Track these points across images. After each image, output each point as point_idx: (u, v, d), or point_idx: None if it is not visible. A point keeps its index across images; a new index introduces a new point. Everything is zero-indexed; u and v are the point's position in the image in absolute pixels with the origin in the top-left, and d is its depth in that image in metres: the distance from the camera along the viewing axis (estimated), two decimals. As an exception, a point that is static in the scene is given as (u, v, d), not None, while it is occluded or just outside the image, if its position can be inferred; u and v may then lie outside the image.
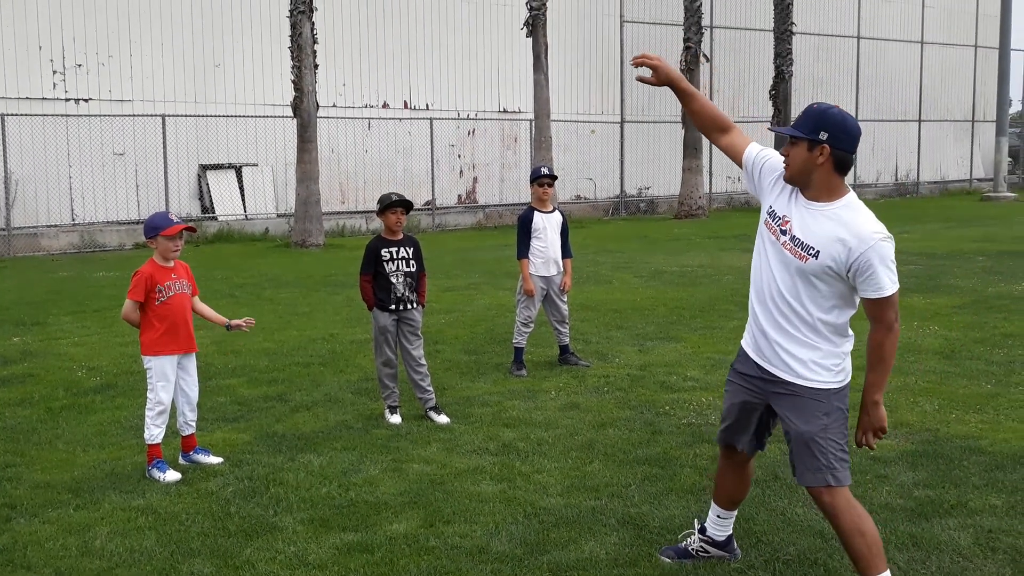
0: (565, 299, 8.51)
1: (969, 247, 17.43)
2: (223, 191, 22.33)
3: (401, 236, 7.06)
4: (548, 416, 6.97)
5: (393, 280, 6.93)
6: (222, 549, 4.73)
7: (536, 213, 8.40)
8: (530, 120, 25.94)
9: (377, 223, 24.44)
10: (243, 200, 22.62)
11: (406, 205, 6.93)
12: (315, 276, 15.14)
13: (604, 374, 8.16)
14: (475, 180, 27.14)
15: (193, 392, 5.99)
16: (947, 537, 4.66)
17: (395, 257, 6.95)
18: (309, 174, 19.95)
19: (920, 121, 34.83)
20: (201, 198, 22.32)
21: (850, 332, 4.02)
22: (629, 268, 15.33)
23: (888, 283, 3.78)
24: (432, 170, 25.02)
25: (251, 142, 22.68)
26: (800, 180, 3.94)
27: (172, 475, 5.74)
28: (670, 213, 27.29)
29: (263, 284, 14.13)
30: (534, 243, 8.34)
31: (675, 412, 6.97)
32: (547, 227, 8.36)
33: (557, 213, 8.50)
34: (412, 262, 7.03)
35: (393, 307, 6.94)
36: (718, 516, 4.47)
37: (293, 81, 19.86)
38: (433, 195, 25.14)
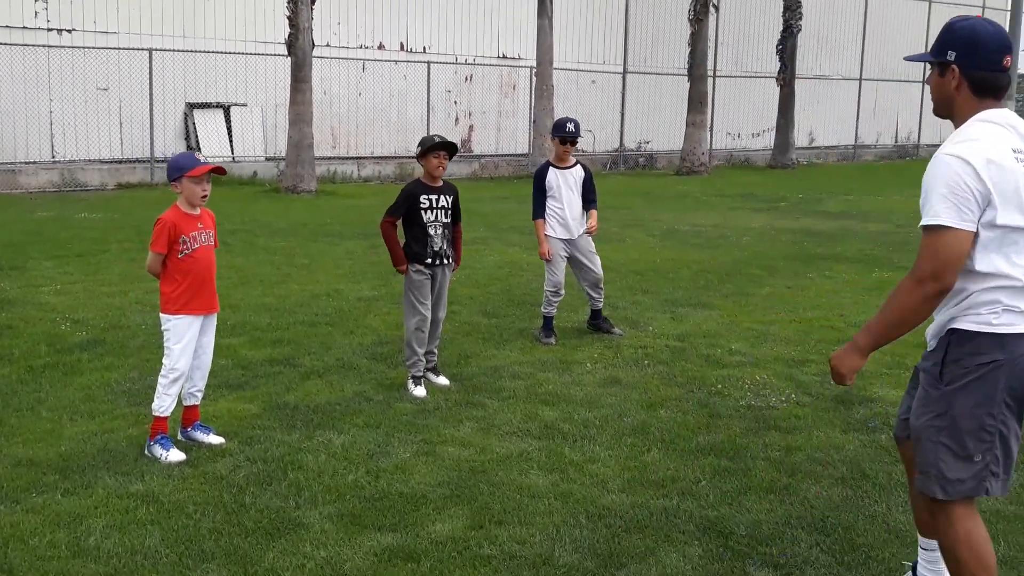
0: (597, 261, 7.75)
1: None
2: (210, 131, 21.35)
3: (441, 183, 6.30)
4: (588, 393, 6.29)
5: (431, 231, 6.19)
6: (240, 552, 4.03)
7: (552, 170, 7.61)
8: (530, 67, 25.02)
9: (370, 169, 23.72)
10: (231, 141, 21.66)
11: (450, 148, 6.16)
12: (310, 224, 14.34)
13: (640, 344, 7.48)
14: (471, 128, 26.24)
15: (207, 357, 5.28)
16: (1085, 558, 4.03)
17: (434, 206, 6.21)
18: (302, 116, 19.03)
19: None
20: (187, 138, 21.33)
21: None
22: (639, 226, 14.60)
23: (928, 210, 3.03)
24: (428, 116, 24.10)
25: (240, 81, 21.66)
26: (944, 111, 3.26)
27: (176, 455, 5.02)
28: (670, 169, 26.52)
29: (256, 231, 13.32)
30: (549, 203, 7.59)
31: (729, 392, 6.30)
32: (563, 185, 7.56)
33: (579, 168, 7.68)
34: (451, 212, 6.30)
35: (430, 261, 6.21)
36: (923, 549, 3.66)
37: (288, 17, 18.84)
38: (428, 142, 24.24)
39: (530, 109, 24.88)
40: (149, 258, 5.13)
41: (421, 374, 6.33)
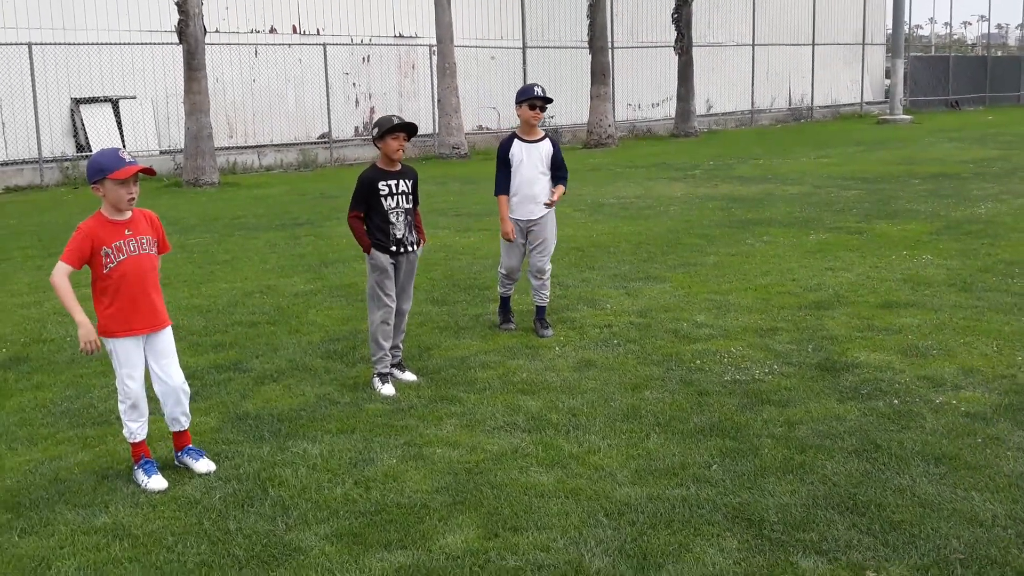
0: (548, 248, 7.00)
1: (896, 170, 17.11)
2: (99, 127, 20.26)
3: (400, 167, 5.88)
4: (566, 378, 5.99)
5: (392, 219, 5.78)
6: (239, 587, 3.61)
7: (517, 142, 6.91)
8: (428, 46, 24.53)
9: (272, 158, 22.88)
10: (122, 136, 20.60)
11: (409, 130, 5.74)
12: (221, 218, 13.68)
13: (604, 323, 7.22)
14: (372, 110, 25.60)
15: (172, 380, 4.67)
16: (1126, 517, 3.92)
17: (395, 191, 5.79)
18: (199, 106, 18.19)
19: (813, 45, 34.69)
20: (75, 135, 20.21)
21: None
22: (563, 201, 14.31)
23: None
24: (327, 100, 23.39)
25: (128, 73, 20.60)
26: None
27: (157, 482, 4.53)
28: (577, 142, 26.37)
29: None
30: (512, 177, 6.90)
31: (709, 367, 6.08)
32: (527, 160, 6.86)
33: (546, 142, 6.98)
34: (411, 197, 5.89)
35: (394, 249, 5.80)
36: None
37: (177, 3, 17.93)
38: (329, 127, 23.56)
39: (432, 88, 24.39)
40: (55, 270, 4.44)
41: (388, 371, 5.94)
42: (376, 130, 5.75)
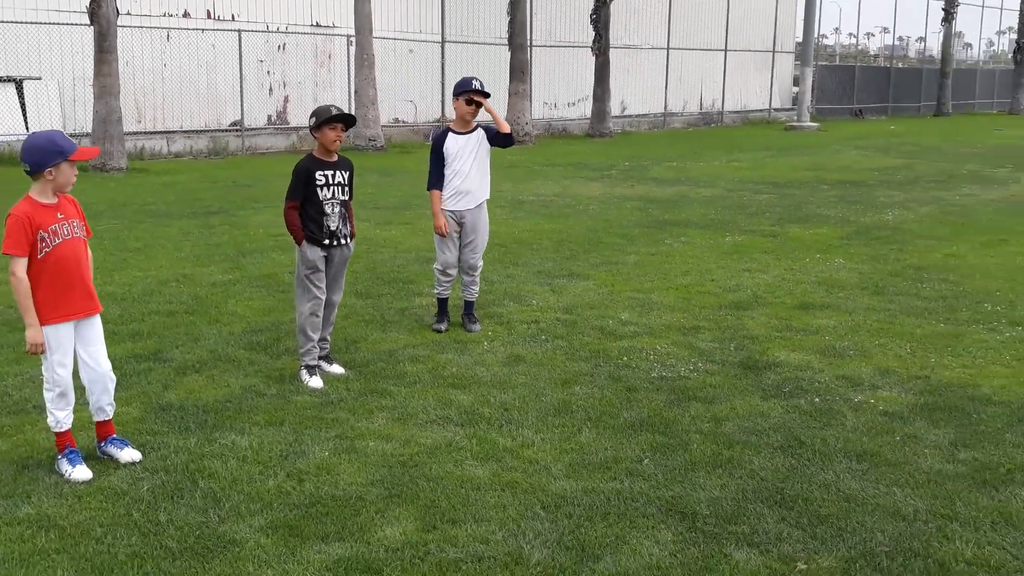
0: (481, 243, 7.02)
1: (805, 176, 17.58)
2: (1, 108, 19.52)
3: (336, 158, 5.81)
4: (496, 373, 6.01)
5: (327, 210, 5.71)
6: (174, 580, 3.54)
7: (451, 135, 6.86)
8: (346, 36, 24.26)
9: (181, 144, 22.34)
10: (25, 118, 19.88)
11: (347, 121, 5.68)
12: (131, 204, 13.31)
13: (531, 319, 7.26)
14: (286, 99, 25.20)
15: (100, 366, 4.55)
16: (1036, 511, 4.11)
17: (331, 182, 5.72)
18: (109, 89, 17.68)
19: (726, 51, 35.36)
20: (-25, 114, 19.42)
21: None
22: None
23: None
24: (240, 87, 22.94)
25: (33, 52, 19.87)
26: None
27: (82, 472, 4.40)
28: (493, 139, 26.38)
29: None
30: (446, 171, 6.87)
31: (636, 364, 6.18)
32: (463, 152, 6.81)
33: (479, 131, 6.91)
34: (347, 188, 5.83)
35: (327, 241, 5.74)
36: None
37: (89, -18, 17.37)
38: (242, 115, 23.12)
39: (348, 80, 24.14)
40: (11, 267, 4.25)
41: (316, 363, 5.87)
42: (314, 120, 5.67)
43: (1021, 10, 47.92)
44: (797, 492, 4.28)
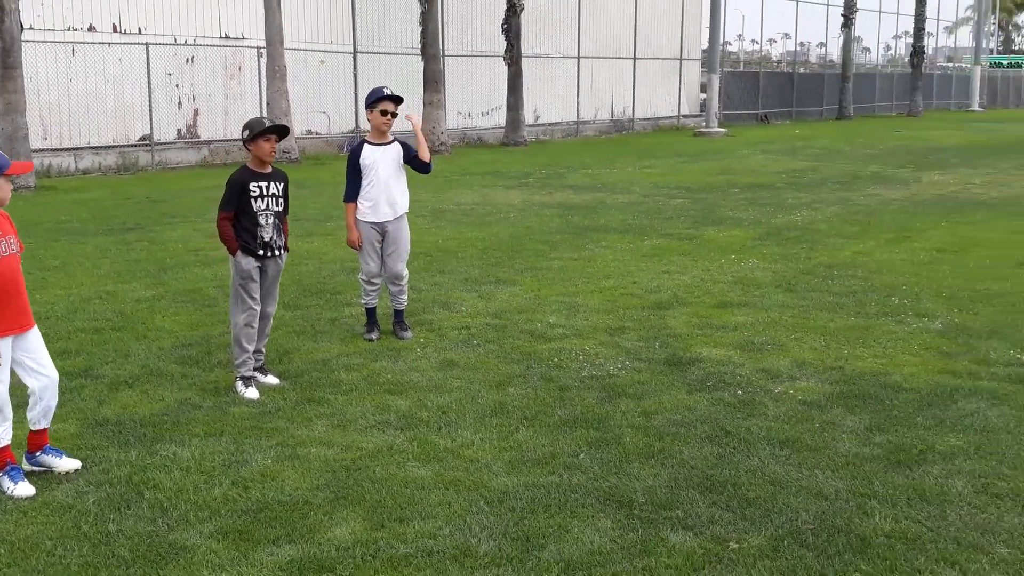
0: (403, 252, 7.05)
1: (716, 180, 18.08)
2: (-101, 125, 18.86)
3: (271, 169, 5.88)
4: (431, 378, 6.14)
5: (261, 221, 5.78)
6: (129, 588, 3.60)
7: (367, 147, 6.88)
8: (256, 48, 24.09)
9: (89, 161, 21.91)
10: (-75, 135, 19.26)
11: (280, 132, 5.76)
12: (43, 223, 13.06)
13: (461, 325, 7.41)
14: (196, 113, 24.88)
15: (49, 371, 4.60)
16: (945, 487, 4.41)
17: (265, 193, 5.79)
18: (15, 106, 17.30)
19: (635, 59, 36.03)
20: None
21: None
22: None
23: None
24: (148, 102, 22.60)
25: (-68, 67, 19.27)
26: None
27: (24, 488, 4.40)
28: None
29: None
30: (363, 184, 6.89)
31: (567, 364, 6.37)
32: (379, 164, 6.83)
33: (396, 144, 6.96)
34: (282, 200, 5.90)
35: (261, 252, 5.80)
36: None
37: (-10, -4, 16.97)
38: (151, 129, 22.77)
39: (260, 92, 23.97)
40: None
41: (251, 374, 5.92)
42: (247, 132, 5.74)
43: (916, 15, 49.85)
44: (726, 478, 4.51)
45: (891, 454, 4.79)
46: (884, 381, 5.92)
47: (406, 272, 7.17)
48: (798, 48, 55.19)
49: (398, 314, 7.20)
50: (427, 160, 6.96)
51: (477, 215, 13.50)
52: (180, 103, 24.52)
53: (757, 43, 49.53)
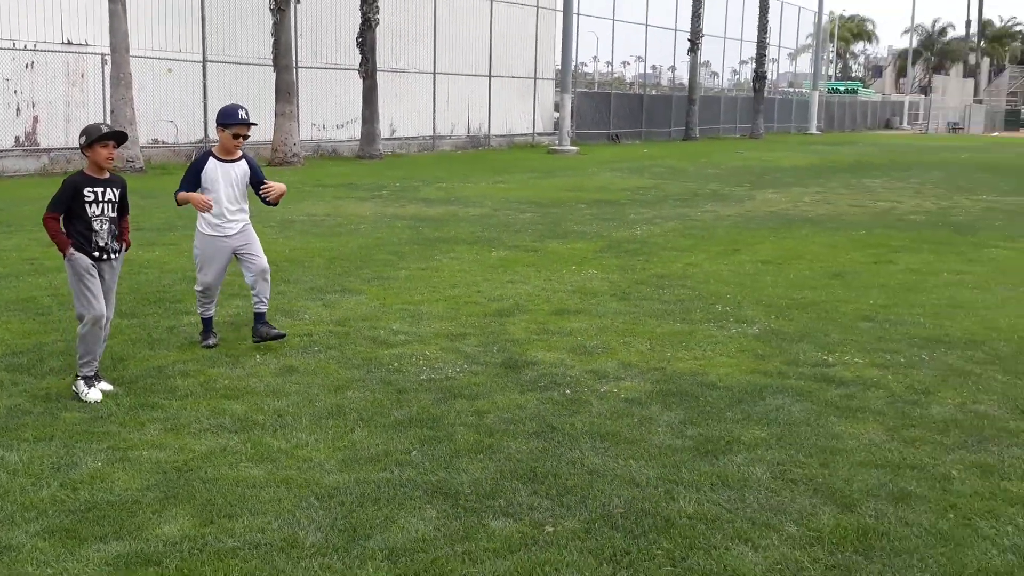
0: (257, 249, 7.05)
1: (565, 196, 18.59)
2: None
3: (108, 175, 5.86)
4: (269, 383, 6.21)
5: (96, 226, 5.75)
6: (-53, 587, 3.58)
7: (212, 161, 6.85)
8: (100, 54, 23.41)
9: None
10: None
11: (118, 138, 5.75)
12: None
13: (303, 332, 7.49)
14: (36, 120, 23.97)
15: None
16: (746, 473, 4.79)
17: (100, 199, 5.77)
18: None
19: (490, 77, 36.56)
20: None
21: None
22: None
23: None
24: (-15, 107, 21.67)
25: None
26: None
27: None
28: (261, 160, 26.13)
29: None
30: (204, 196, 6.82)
31: (406, 368, 6.55)
32: (222, 179, 6.81)
33: (243, 162, 6.95)
34: (117, 206, 5.89)
35: (97, 255, 5.77)
36: None
37: None
38: (-13, 136, 21.83)
39: (104, 99, 23.28)
40: None
41: (94, 374, 5.87)
42: (84, 138, 5.73)
43: (758, 42, 52.27)
44: (548, 469, 4.78)
45: (700, 445, 5.16)
46: (701, 380, 6.33)
47: (267, 264, 7.09)
48: (651, 71, 57.03)
49: (259, 317, 7.07)
50: (275, 198, 6.97)
51: (327, 226, 13.54)
52: (19, 110, 23.59)
53: (611, 65, 50.92)
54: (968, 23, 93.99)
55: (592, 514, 4.29)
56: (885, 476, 4.76)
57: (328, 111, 30.45)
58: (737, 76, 60.27)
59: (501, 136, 37.31)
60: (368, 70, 27.89)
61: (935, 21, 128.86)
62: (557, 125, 35.41)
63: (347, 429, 5.37)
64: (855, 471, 4.82)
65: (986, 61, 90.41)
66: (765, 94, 53.51)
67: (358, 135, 29.00)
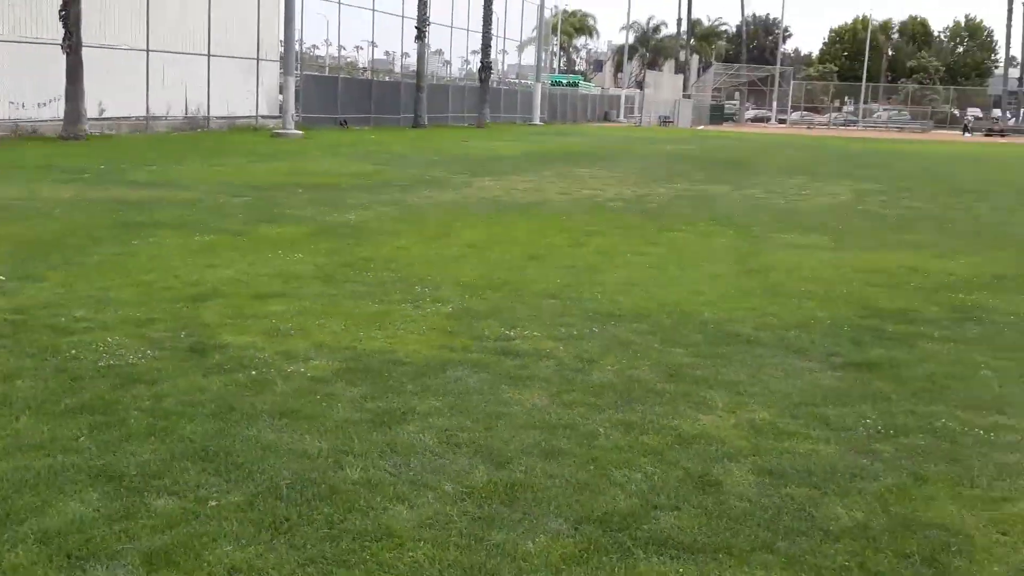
0: None
1: (284, 180, 18.41)
2: None
3: None
4: (-71, 373, 5.86)
5: None
6: None
7: None
8: None
9: None
10: None
11: None
12: None
13: (-26, 320, 7.08)
14: None
15: None
16: (415, 440, 5.06)
17: None
18: None
19: (209, 56, 35.31)
20: None
21: None
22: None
23: None
24: None
25: None
26: None
27: None
28: (-51, 140, 24.00)
29: None
30: None
31: (85, 356, 6.35)
32: None
33: None
34: None
35: None
36: None
37: None
38: None
39: None
40: None
41: None
42: None
43: (483, 33, 53.61)
44: (220, 447, 4.85)
45: (377, 417, 5.39)
46: (389, 358, 6.57)
47: None
48: (384, 57, 57.11)
49: None
50: None
51: (18, 210, 12.72)
52: None
53: (345, 48, 50.59)
54: (679, 21, 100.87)
55: (259, 487, 4.42)
56: (540, 436, 5.19)
57: (28, 87, 28.37)
58: (468, 66, 61.56)
59: (222, 118, 36.21)
60: (72, 45, 26.26)
61: (650, 19, 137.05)
62: (282, 108, 34.81)
63: (12, 418, 5.17)
64: (515, 432, 5.23)
65: (695, 58, 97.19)
66: (493, 85, 55.02)
67: (62, 114, 27.23)
